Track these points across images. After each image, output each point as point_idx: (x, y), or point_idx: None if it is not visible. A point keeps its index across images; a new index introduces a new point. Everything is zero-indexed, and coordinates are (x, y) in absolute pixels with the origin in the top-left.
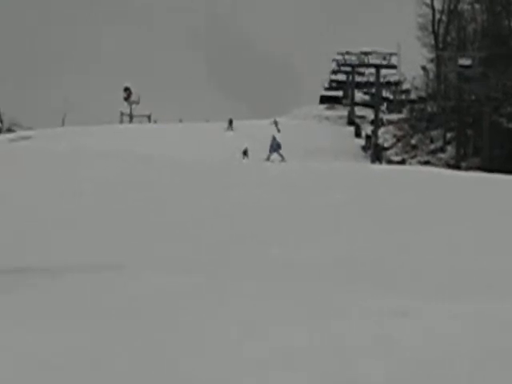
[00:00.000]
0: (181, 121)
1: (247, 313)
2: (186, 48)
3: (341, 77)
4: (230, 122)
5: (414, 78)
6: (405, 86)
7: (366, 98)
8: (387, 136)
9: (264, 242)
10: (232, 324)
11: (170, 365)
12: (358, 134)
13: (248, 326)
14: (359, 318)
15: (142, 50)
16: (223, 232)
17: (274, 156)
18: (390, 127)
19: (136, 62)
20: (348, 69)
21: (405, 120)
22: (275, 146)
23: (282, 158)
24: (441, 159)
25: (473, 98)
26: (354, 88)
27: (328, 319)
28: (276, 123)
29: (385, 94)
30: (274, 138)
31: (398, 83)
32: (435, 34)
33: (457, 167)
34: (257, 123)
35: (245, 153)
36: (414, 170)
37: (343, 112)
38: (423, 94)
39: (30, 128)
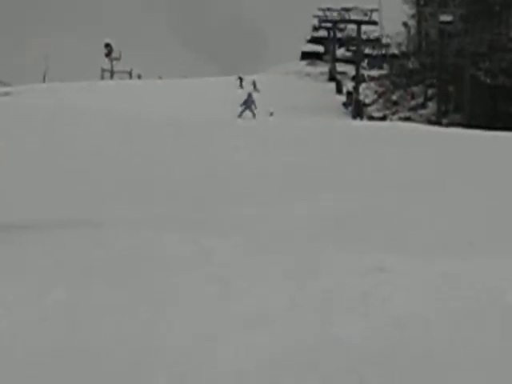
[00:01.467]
0: (160, 78)
1: (224, 271)
2: (159, 10)
3: (322, 33)
4: (240, 79)
5: (396, 34)
6: (386, 42)
7: (348, 54)
8: (368, 92)
9: (243, 200)
10: (210, 282)
11: (150, 318)
12: (339, 91)
13: (226, 284)
14: (340, 275)
15: (120, 9)
16: (202, 190)
17: (247, 113)
18: (371, 83)
19: (115, 20)
20: (329, 25)
21: (386, 76)
22: (249, 103)
23: (254, 115)
24: (422, 115)
25: (454, 54)
26: (335, 44)
27: (308, 276)
28: (254, 84)
29: (366, 50)
30: (249, 95)
31: (379, 39)
32: None
33: (438, 123)
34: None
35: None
36: (395, 126)
37: (324, 68)
38: (404, 50)
39: (9, 84)
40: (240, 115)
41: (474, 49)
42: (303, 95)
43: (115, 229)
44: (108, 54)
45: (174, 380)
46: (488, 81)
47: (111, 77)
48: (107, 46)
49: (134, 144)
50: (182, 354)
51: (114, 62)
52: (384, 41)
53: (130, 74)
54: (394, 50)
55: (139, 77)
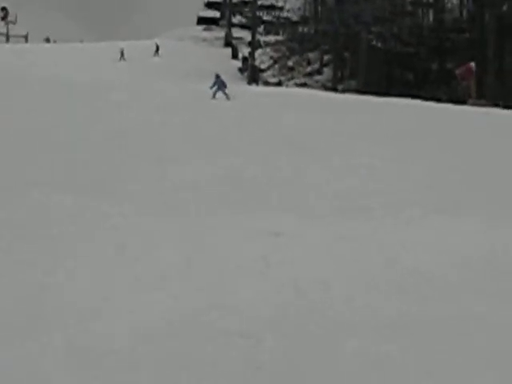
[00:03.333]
0: (54, 41)
1: (123, 233)
2: None
3: None
4: (122, 52)
5: (291, 0)
6: (282, 7)
7: (244, 20)
8: (264, 58)
9: (161, 161)
10: (108, 244)
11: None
12: (234, 56)
13: (123, 246)
14: (238, 238)
15: None
16: (114, 152)
17: (220, 94)
18: (267, 49)
19: None
20: None
21: (282, 42)
22: (219, 84)
23: (227, 97)
24: (318, 81)
25: (349, 19)
26: (231, 10)
27: (204, 238)
28: (157, 48)
29: (262, 15)
30: (217, 76)
31: (275, 5)
32: None
33: (334, 89)
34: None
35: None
36: (291, 91)
37: (220, 33)
38: (301, 15)
39: None
40: (214, 96)
41: (370, 14)
42: (199, 60)
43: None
44: (3, 18)
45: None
46: (381, 47)
47: (6, 41)
48: (3, 9)
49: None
50: (75, 316)
51: (10, 26)
52: (280, 6)
53: (26, 38)
54: (291, 16)
55: (48, 40)
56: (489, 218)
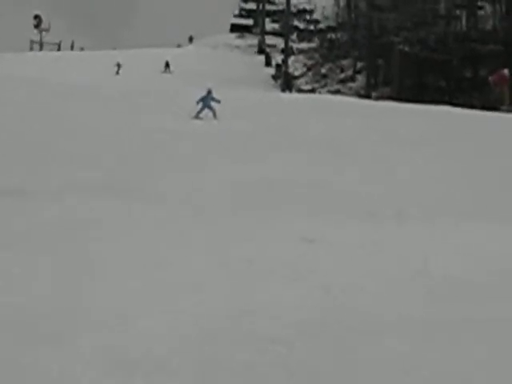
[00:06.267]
0: (82, 49)
1: (152, 238)
2: None
3: (251, 5)
4: (167, 64)
5: (324, 7)
6: (315, 15)
7: (277, 26)
8: (297, 65)
9: (171, 167)
10: (137, 250)
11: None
12: (268, 63)
13: (154, 250)
14: (269, 243)
15: None
16: (124, 156)
17: (205, 112)
18: (301, 56)
19: None
20: None
21: (315, 49)
22: (208, 101)
23: (214, 115)
24: (351, 88)
25: (383, 27)
26: (264, 16)
27: (237, 244)
28: (167, 64)
29: (295, 22)
30: (209, 91)
31: (308, 12)
32: None
33: (367, 96)
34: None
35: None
36: (323, 98)
37: (253, 41)
38: (334, 23)
39: None
40: (197, 115)
41: (403, 22)
42: (233, 68)
43: (38, 197)
44: (37, 26)
45: (97, 344)
46: (416, 54)
47: (40, 48)
48: (36, 17)
49: (54, 110)
50: (106, 324)
51: (44, 34)
52: (313, 14)
53: (59, 46)
54: (324, 23)
55: (82, 49)
56: None
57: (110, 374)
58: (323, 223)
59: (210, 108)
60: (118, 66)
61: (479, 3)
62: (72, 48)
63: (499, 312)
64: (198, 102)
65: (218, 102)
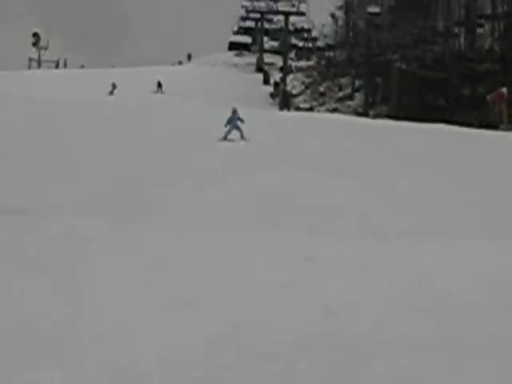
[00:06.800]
0: (82, 66)
1: (155, 255)
2: None
3: (249, 23)
4: (159, 84)
5: (323, 26)
6: (314, 34)
7: (275, 44)
8: (296, 83)
9: (169, 182)
10: (138, 269)
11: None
12: (266, 81)
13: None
14: (269, 261)
15: None
16: (128, 172)
17: (234, 133)
18: (299, 74)
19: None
20: (257, 15)
21: (313, 67)
22: (235, 122)
23: (242, 136)
24: (349, 107)
25: (381, 45)
26: (262, 35)
27: (235, 258)
28: (159, 84)
29: (294, 41)
30: (234, 111)
31: (306, 30)
32: None
33: (365, 115)
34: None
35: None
36: (322, 116)
37: (252, 59)
38: (332, 41)
39: None
40: (225, 137)
41: (401, 41)
42: (231, 86)
43: (39, 215)
44: (35, 44)
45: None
46: (415, 72)
47: (38, 66)
48: (35, 35)
49: (53, 129)
50: (106, 341)
51: (42, 52)
52: (311, 32)
53: (57, 64)
54: (322, 42)
55: (82, 66)
56: None
57: None
58: (321, 240)
59: (238, 128)
60: (114, 86)
61: (479, 21)
62: (65, 66)
63: (500, 327)
64: (225, 125)
65: (242, 121)
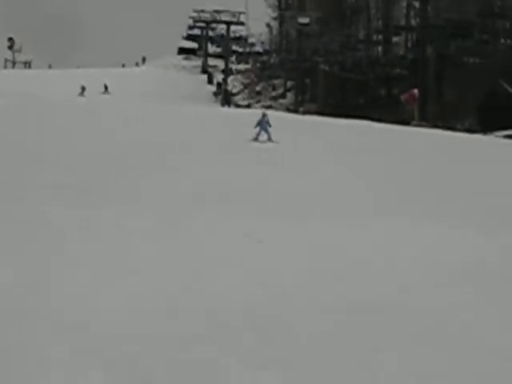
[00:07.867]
0: (50, 66)
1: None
2: None
3: (196, 31)
4: (106, 86)
5: (260, 34)
6: (251, 41)
7: (218, 50)
8: (235, 83)
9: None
10: (104, 255)
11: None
12: (210, 82)
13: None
14: (224, 241)
15: None
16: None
17: (263, 136)
18: (239, 76)
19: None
20: (203, 24)
21: (251, 70)
22: (264, 125)
23: (269, 138)
24: (282, 104)
25: (310, 51)
26: (207, 41)
27: (191, 238)
28: (105, 87)
29: (234, 47)
30: (263, 115)
31: (245, 38)
32: None
33: (295, 111)
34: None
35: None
36: (258, 112)
37: (198, 62)
38: (267, 47)
39: None
40: (256, 138)
41: (328, 47)
42: (180, 86)
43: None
44: (10, 47)
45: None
46: (338, 75)
47: (13, 66)
48: (10, 39)
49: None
50: (67, 306)
51: (16, 54)
52: (250, 39)
53: (29, 65)
54: (259, 48)
55: (50, 66)
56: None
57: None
58: (269, 223)
59: (266, 131)
60: (83, 88)
61: (396, 31)
62: (30, 66)
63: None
64: (255, 127)
65: (270, 125)
